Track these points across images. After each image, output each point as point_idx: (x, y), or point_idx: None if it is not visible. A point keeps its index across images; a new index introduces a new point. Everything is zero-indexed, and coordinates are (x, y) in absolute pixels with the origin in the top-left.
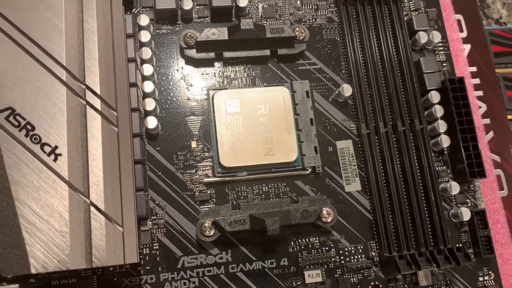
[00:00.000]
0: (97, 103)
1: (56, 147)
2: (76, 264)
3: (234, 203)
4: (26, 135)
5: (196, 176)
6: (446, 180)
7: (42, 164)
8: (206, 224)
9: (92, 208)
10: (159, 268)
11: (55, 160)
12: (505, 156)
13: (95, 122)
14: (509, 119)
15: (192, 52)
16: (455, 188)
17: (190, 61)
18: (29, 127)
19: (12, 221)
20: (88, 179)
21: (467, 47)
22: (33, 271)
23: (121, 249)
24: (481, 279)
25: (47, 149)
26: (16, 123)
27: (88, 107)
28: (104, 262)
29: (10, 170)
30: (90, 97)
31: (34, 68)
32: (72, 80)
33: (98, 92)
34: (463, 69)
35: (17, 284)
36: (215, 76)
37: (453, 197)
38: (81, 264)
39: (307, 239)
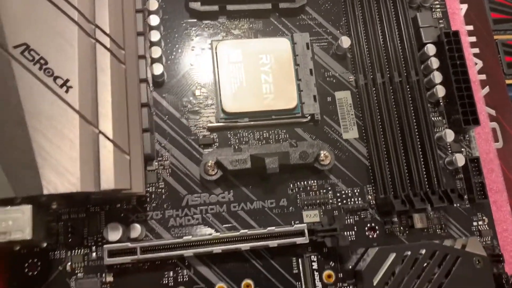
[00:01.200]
0: (106, 41)
1: (67, 80)
2: (85, 187)
3: (236, 147)
4: (40, 69)
5: (200, 122)
6: (442, 130)
7: (55, 95)
8: (210, 163)
9: (100, 136)
10: (164, 205)
11: (66, 92)
12: (501, 110)
13: (104, 58)
14: (508, 84)
15: (197, 5)
16: (449, 135)
17: (194, 14)
18: (42, 61)
19: (26, 146)
20: (97, 110)
21: (464, 7)
22: (45, 191)
23: (128, 176)
24: (475, 223)
25: (59, 81)
26: (31, 58)
27: (97, 45)
28: (112, 185)
29: (25, 101)
30: (99, 35)
31: (47, 8)
32: (83, 20)
33: (107, 31)
34: (460, 26)
35: (30, 205)
36: (218, 28)
37: (449, 146)
38: (90, 187)
39: (305, 182)
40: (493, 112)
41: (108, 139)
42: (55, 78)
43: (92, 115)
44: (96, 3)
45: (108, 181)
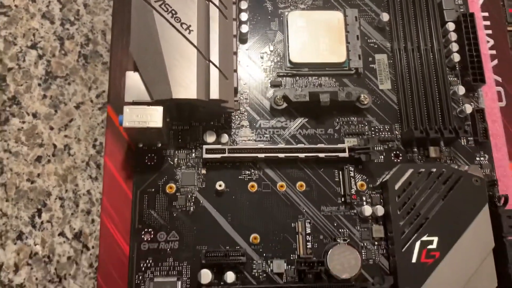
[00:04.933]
0: (216, 2)
1: (190, 25)
2: (200, 96)
3: (298, 88)
4: (171, 17)
5: (272, 69)
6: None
7: (181, 35)
8: (279, 96)
9: (211, 65)
10: (242, 126)
11: (189, 33)
12: (506, 78)
13: (214, 13)
14: (508, 30)
15: None
16: (461, 90)
17: None
18: (173, 12)
19: (161, 67)
20: (209, 47)
21: None
22: (174, 96)
23: (227, 93)
24: (477, 158)
25: (184, 26)
26: (166, 9)
27: (211, 4)
28: (217, 96)
29: (162, 38)
30: None
31: None
32: None
33: None
34: (476, 10)
35: (162, 107)
36: (288, 2)
37: (461, 100)
38: (202, 96)
39: (348, 118)
40: (499, 79)
41: (216, 66)
42: (182, 23)
43: (205, 50)
44: None
45: (214, 93)
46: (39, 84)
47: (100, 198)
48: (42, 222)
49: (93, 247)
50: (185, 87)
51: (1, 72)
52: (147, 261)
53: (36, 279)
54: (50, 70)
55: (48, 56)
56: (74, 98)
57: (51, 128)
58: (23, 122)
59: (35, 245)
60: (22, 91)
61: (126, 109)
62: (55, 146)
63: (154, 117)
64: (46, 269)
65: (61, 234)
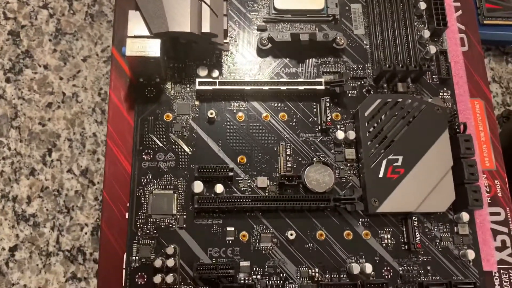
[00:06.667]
0: None
1: None
2: (193, 29)
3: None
4: None
5: (258, 16)
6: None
7: None
8: (264, 37)
9: (203, 4)
10: (233, 63)
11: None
12: (469, 26)
13: None
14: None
15: None
16: (427, 33)
17: None
18: None
19: (159, 6)
20: None
21: None
22: (170, 29)
23: (217, 28)
24: (441, 94)
25: None
26: None
27: None
28: (208, 29)
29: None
30: None
31: None
32: None
33: None
34: None
35: (159, 39)
36: None
37: (427, 43)
38: (195, 29)
39: (325, 58)
40: (462, 27)
41: (207, 4)
42: None
43: None
44: None
45: (205, 27)
46: (50, 40)
47: (105, 140)
48: (52, 161)
49: (98, 183)
50: (180, 21)
51: (15, 29)
52: (147, 177)
53: (47, 210)
54: (60, 27)
55: (58, 15)
56: (82, 52)
57: (61, 78)
58: (35, 73)
59: (46, 180)
60: (34, 46)
61: (129, 41)
62: (64, 94)
63: (152, 47)
64: (55, 201)
65: (69, 171)
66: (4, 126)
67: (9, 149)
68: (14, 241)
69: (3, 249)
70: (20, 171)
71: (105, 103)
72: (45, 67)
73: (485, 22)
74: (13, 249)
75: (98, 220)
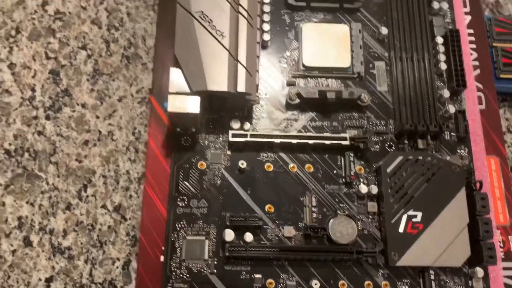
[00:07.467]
0: (245, 14)
1: (223, 32)
2: (230, 89)
3: (309, 87)
4: (208, 25)
5: (287, 71)
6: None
7: (215, 39)
8: (293, 92)
9: (238, 64)
10: (262, 117)
11: (222, 38)
12: (486, 85)
13: (243, 24)
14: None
15: (292, 0)
16: (446, 93)
17: (289, 6)
18: (210, 21)
19: (199, 65)
20: (238, 50)
21: (468, 18)
22: (208, 88)
23: (251, 87)
24: (458, 151)
25: (218, 32)
26: (204, 18)
27: (239, 15)
28: (243, 89)
29: (200, 41)
30: (241, 10)
31: None
32: (233, 2)
33: (246, 8)
34: (462, 28)
35: (199, 97)
36: (303, 16)
37: (446, 102)
38: (231, 89)
39: (350, 113)
40: (481, 86)
41: (242, 65)
42: (216, 30)
43: (234, 52)
44: None
45: (241, 87)
46: (88, 80)
47: (138, 177)
48: (87, 196)
49: (129, 219)
50: (218, 81)
51: (56, 68)
52: (181, 223)
53: (81, 243)
54: (97, 68)
55: (96, 56)
56: (117, 92)
57: (97, 117)
58: (73, 111)
59: (81, 215)
60: (73, 85)
61: (170, 97)
62: (100, 132)
63: (192, 104)
64: (89, 235)
65: (103, 206)
66: (43, 161)
67: (47, 183)
68: (50, 272)
69: (40, 279)
70: (57, 205)
71: (138, 142)
72: (83, 105)
73: (501, 76)
74: (49, 280)
75: (129, 255)
